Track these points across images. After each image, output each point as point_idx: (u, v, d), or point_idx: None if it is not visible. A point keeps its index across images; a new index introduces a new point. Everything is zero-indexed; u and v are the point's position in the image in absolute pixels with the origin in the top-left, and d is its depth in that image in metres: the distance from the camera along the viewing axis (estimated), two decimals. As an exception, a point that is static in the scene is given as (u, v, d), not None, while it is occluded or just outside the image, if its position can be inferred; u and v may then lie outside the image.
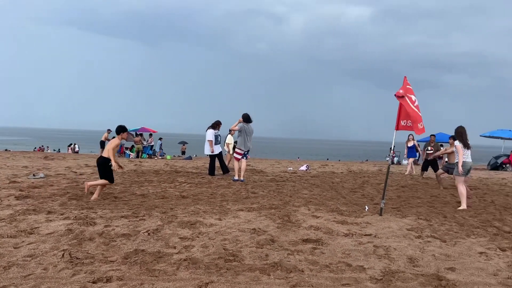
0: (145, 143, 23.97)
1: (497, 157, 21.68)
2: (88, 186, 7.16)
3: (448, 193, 9.38)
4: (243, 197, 7.81)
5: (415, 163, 17.36)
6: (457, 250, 4.55)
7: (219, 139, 12.05)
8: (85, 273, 3.51)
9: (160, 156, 24.19)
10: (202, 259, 3.92)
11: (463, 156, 7.56)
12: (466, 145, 7.63)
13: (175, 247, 4.31)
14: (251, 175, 11.97)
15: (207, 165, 12.33)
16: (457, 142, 7.67)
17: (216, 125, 11.84)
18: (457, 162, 7.67)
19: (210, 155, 11.83)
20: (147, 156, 22.84)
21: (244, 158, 10.53)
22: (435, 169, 12.31)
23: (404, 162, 25.17)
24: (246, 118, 10.57)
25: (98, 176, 7.51)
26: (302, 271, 3.70)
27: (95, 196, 7.04)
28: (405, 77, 6.76)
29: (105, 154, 7.17)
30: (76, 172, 11.12)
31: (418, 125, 6.50)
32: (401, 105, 6.64)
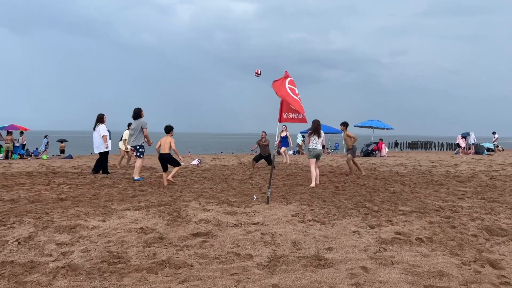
0: (16, 143, 21.39)
1: (368, 145, 24.26)
2: (169, 179, 8.95)
3: (327, 180, 10.20)
4: (130, 195, 7.47)
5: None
6: (334, 231, 4.97)
7: (110, 134, 11.31)
8: None
9: (34, 155, 21.84)
10: (83, 265, 3.64)
11: (312, 143, 9.28)
12: (317, 134, 9.24)
13: (51, 255, 3.93)
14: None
15: (90, 164, 11.50)
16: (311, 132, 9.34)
17: (102, 119, 11.08)
18: (310, 148, 9.31)
19: (101, 152, 11.01)
20: (18, 156, 20.45)
21: (136, 155, 9.97)
22: (268, 161, 13.19)
23: (290, 152, 26.69)
24: (132, 114, 10.07)
25: None
26: (191, 266, 3.67)
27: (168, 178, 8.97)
28: (286, 71, 7.13)
29: (165, 151, 8.91)
30: None
31: (299, 115, 6.98)
32: (282, 99, 6.99)
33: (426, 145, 52.94)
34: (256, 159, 13.40)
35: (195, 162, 15.64)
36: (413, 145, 53.07)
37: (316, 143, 9.25)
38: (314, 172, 9.10)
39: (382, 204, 6.76)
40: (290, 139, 16.82)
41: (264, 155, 13.25)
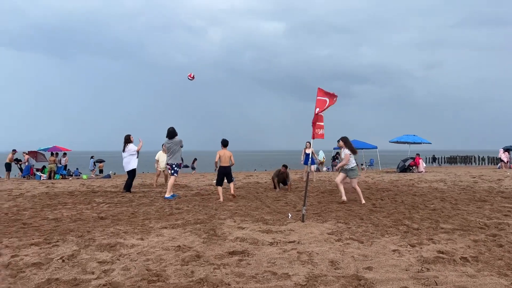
0: (59, 163, 22.28)
1: (404, 160, 23.62)
2: (232, 194, 9.75)
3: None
4: (167, 213, 7.59)
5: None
6: (373, 249, 4.84)
7: (138, 153, 11.70)
8: (-13, 312, 3.14)
9: (75, 175, 22.67)
10: (124, 283, 3.72)
11: (352, 162, 9.02)
12: (354, 152, 9.07)
13: (93, 273, 4.03)
14: (175, 191, 11.70)
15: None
16: (346, 151, 8.90)
17: (130, 139, 11.51)
18: (354, 167, 9.06)
19: (130, 171, 11.42)
20: (61, 176, 21.28)
21: (171, 173, 10.20)
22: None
23: (324, 169, 26.42)
24: (167, 134, 10.32)
25: None
26: (229, 285, 3.67)
27: (232, 193, 9.81)
28: (318, 88, 7.13)
29: (226, 164, 9.53)
30: (-24, 199, 9.98)
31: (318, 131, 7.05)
32: (316, 116, 6.99)
33: (466, 160, 50.99)
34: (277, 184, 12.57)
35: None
36: (451, 160, 51.24)
37: (354, 161, 9.15)
38: (359, 188, 9.09)
39: (422, 222, 6.54)
40: (316, 156, 16.65)
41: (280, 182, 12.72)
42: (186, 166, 30.16)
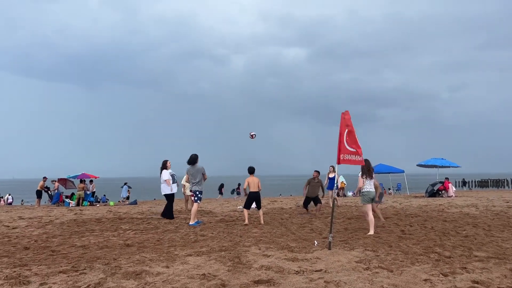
0: (87, 191, 22.77)
1: (433, 185, 22.96)
2: (261, 223, 9.87)
3: (392, 223, 9.72)
4: (192, 241, 7.59)
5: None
6: (403, 279, 4.67)
7: (175, 178, 11.83)
8: None
9: (102, 201, 23.06)
10: (149, 312, 3.70)
11: (367, 185, 8.34)
12: (370, 176, 8.38)
13: (119, 301, 4.04)
14: (200, 217, 11.72)
15: (153, 210, 11.95)
16: (360, 174, 8.45)
17: (166, 165, 11.71)
18: (365, 192, 8.33)
19: (167, 196, 11.52)
20: (88, 203, 21.68)
21: (194, 200, 10.29)
22: (315, 202, 12.29)
23: (350, 193, 25.99)
24: (188, 160, 10.39)
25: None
26: (255, 315, 3.60)
27: (261, 222, 9.96)
28: (342, 113, 7.10)
29: (255, 189, 10.12)
30: (8, 226, 10.26)
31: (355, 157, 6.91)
32: (340, 140, 6.94)
33: (498, 183, 49.09)
34: (305, 204, 12.64)
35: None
36: (483, 184, 49.42)
37: (370, 185, 8.48)
38: (372, 218, 8.39)
39: (454, 249, 6.29)
40: (339, 180, 16.36)
41: (312, 197, 12.39)
42: (234, 191, 30.25)
